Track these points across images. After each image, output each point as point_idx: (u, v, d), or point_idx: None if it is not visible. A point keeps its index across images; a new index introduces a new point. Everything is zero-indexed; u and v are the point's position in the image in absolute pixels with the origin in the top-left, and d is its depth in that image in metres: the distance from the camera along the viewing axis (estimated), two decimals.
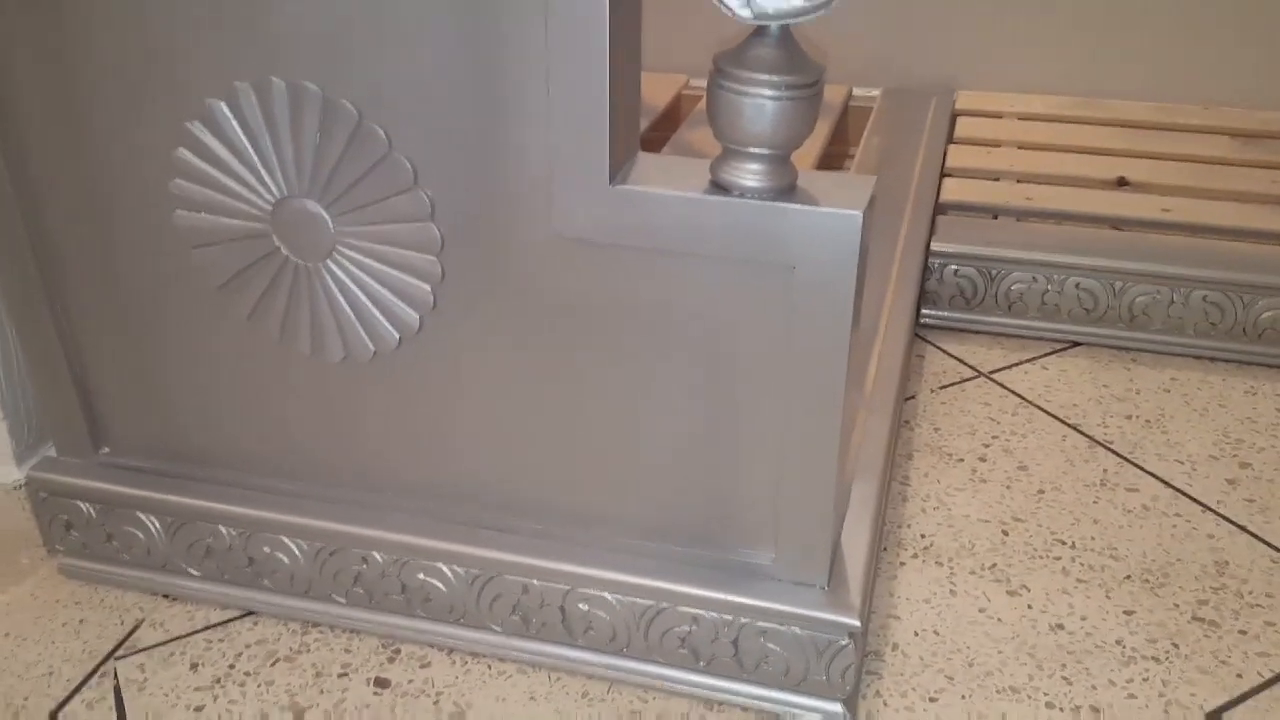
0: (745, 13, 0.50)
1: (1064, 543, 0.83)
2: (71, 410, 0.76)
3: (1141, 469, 0.91)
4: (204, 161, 0.63)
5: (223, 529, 0.76)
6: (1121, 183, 1.19)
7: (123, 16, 0.60)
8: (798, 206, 0.55)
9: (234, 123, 0.61)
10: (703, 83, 1.51)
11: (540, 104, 0.56)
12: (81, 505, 0.78)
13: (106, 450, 0.78)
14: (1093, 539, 0.84)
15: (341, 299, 0.66)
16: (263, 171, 0.62)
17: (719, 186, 0.56)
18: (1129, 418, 0.98)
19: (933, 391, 1.02)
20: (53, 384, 0.76)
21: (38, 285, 0.71)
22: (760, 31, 0.51)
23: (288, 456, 0.74)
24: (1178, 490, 0.89)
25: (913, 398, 1.01)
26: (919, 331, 1.11)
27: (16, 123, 0.66)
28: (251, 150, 0.62)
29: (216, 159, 0.63)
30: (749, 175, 0.55)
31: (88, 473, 0.78)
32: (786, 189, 0.56)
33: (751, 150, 0.54)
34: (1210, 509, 0.87)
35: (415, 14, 0.56)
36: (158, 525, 0.77)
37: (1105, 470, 0.91)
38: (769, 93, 0.52)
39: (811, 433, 0.62)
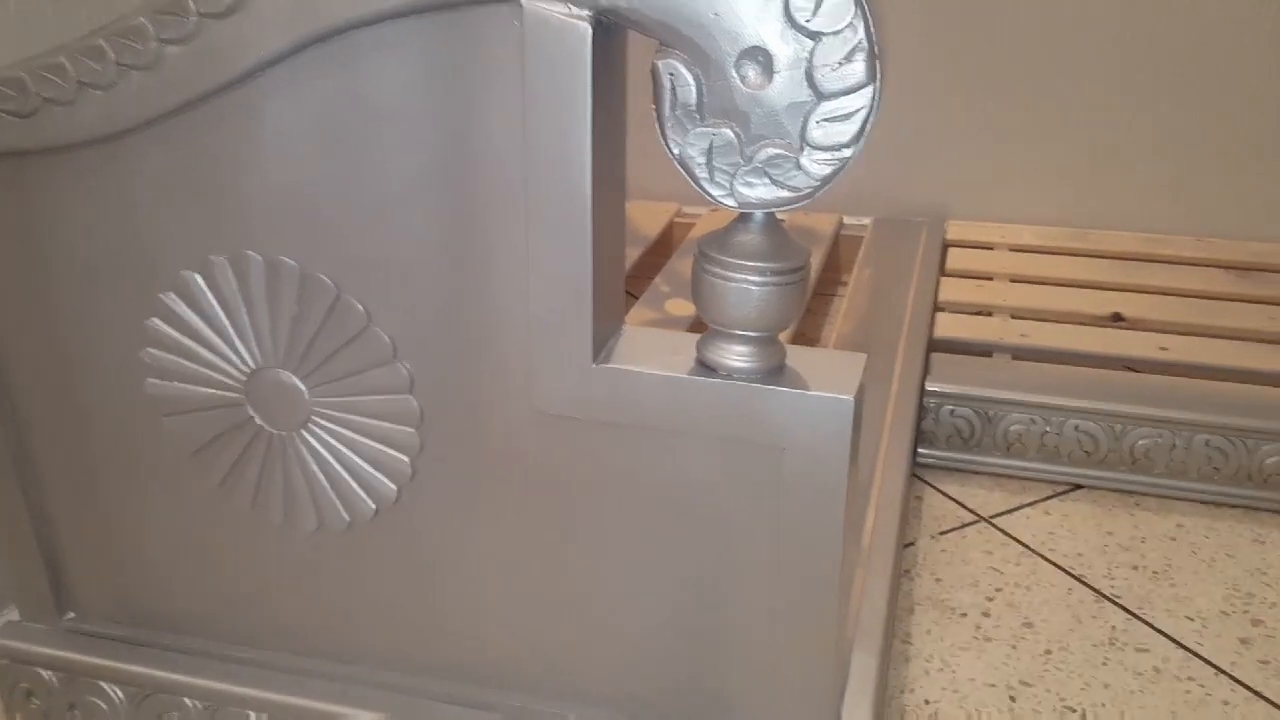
0: (730, 201, 0.49)
1: (1074, 710, 0.79)
2: (36, 574, 0.73)
3: (1151, 626, 0.88)
4: (177, 331, 0.61)
5: (188, 701, 0.72)
6: (1116, 318, 1.18)
7: (95, 191, 0.60)
8: (786, 390, 0.53)
9: (209, 294, 0.60)
10: (695, 209, 1.53)
11: (521, 282, 0.55)
12: (43, 673, 0.75)
13: (71, 616, 0.75)
14: (1104, 705, 0.80)
15: (316, 469, 0.63)
16: (237, 342, 0.61)
17: (705, 366, 0.54)
18: (1135, 568, 0.95)
19: (933, 538, 0.99)
20: (17, 547, 0.73)
21: (2, 447, 0.69)
22: (744, 218, 0.50)
23: (258, 626, 0.71)
24: (1189, 651, 0.85)
25: (912, 544, 0.98)
26: (916, 472, 1.09)
27: None
28: (226, 321, 0.60)
29: (190, 329, 0.61)
30: (735, 356, 0.53)
31: (51, 639, 0.74)
32: (774, 370, 0.54)
33: (737, 332, 0.53)
34: (1224, 672, 0.83)
35: (394, 190, 0.55)
36: (121, 696, 0.73)
37: (1114, 628, 0.88)
38: (755, 279, 0.50)
39: (805, 611, 0.59)
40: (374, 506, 0.64)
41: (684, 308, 1.16)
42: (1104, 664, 0.84)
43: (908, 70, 1.41)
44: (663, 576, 0.61)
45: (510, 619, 0.65)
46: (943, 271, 1.31)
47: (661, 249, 1.45)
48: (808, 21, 0.45)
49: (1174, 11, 1.31)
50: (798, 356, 0.55)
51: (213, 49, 0.53)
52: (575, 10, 0.47)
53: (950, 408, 1.06)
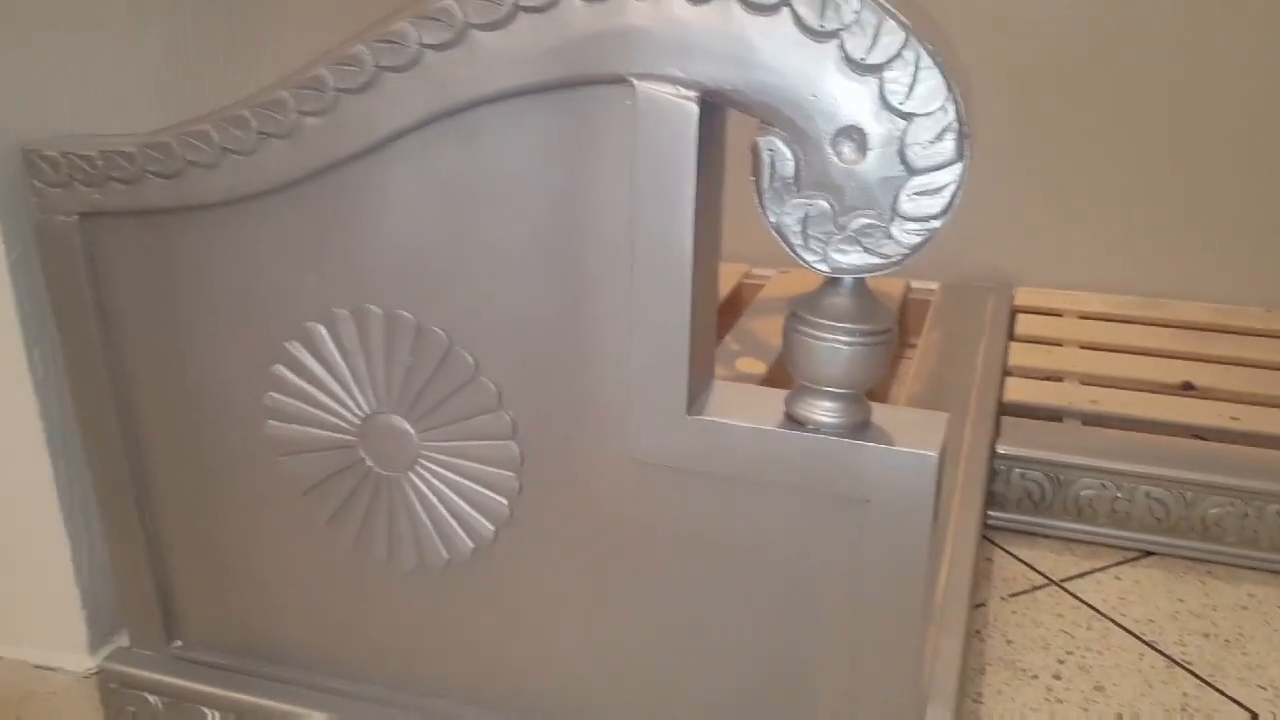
0: (823, 267, 0.52)
1: None
2: (148, 602, 0.78)
3: (1223, 694, 0.88)
4: (299, 377, 0.66)
5: None
6: (1187, 387, 1.18)
7: (230, 247, 0.65)
8: (872, 445, 0.56)
9: (330, 344, 0.65)
10: (764, 271, 1.56)
11: (622, 338, 0.59)
12: (149, 697, 0.79)
13: (179, 644, 0.80)
14: None
15: (420, 508, 0.67)
16: (354, 389, 0.65)
17: (793, 420, 0.58)
18: (1207, 636, 0.95)
19: (1003, 599, 1.00)
20: (132, 576, 0.78)
21: (127, 481, 0.74)
22: (835, 282, 0.54)
23: (356, 658, 0.75)
24: None
25: (982, 605, 0.99)
26: (985, 534, 1.10)
27: (119, 329, 0.70)
28: (346, 369, 0.65)
29: (311, 376, 0.66)
30: (823, 411, 0.56)
31: (159, 665, 0.79)
32: (860, 425, 0.57)
33: (826, 389, 0.56)
34: None
35: (509, 251, 0.60)
36: None
37: (1185, 694, 0.88)
38: (844, 339, 0.53)
39: (885, 661, 0.61)
40: (472, 546, 0.67)
41: (754, 365, 1.20)
42: None
43: (977, 137, 1.44)
44: (745, 625, 0.64)
45: (593, 663, 0.68)
46: (1011, 337, 1.32)
47: (731, 308, 1.48)
48: (901, 104, 0.48)
49: (1249, 80, 1.33)
50: (883, 413, 0.58)
51: (347, 121, 0.59)
52: (684, 91, 0.52)
53: (1020, 471, 1.08)
